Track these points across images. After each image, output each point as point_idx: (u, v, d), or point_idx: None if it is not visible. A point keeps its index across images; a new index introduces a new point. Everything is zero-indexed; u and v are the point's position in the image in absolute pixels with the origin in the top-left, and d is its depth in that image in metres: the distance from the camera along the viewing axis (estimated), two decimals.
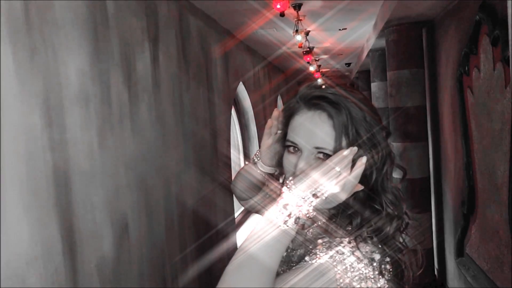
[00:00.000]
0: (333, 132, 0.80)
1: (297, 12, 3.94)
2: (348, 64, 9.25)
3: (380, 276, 0.75)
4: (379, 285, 0.74)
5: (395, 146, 4.45)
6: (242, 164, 6.13)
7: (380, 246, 0.78)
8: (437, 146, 4.43)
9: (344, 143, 0.79)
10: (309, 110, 0.83)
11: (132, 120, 2.38)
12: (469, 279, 3.44)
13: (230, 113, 4.93)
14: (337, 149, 0.78)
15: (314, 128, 0.81)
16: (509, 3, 1.52)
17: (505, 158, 2.63)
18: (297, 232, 0.72)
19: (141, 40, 2.58)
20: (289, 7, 3.32)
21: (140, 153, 2.45)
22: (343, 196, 0.73)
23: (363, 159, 0.75)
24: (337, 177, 0.71)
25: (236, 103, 5.94)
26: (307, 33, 4.87)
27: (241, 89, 5.70)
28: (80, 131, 1.88)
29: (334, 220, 0.83)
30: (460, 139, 3.54)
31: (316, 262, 0.73)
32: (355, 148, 0.76)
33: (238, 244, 4.99)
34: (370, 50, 6.12)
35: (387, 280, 0.77)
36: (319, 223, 0.84)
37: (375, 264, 0.75)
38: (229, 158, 4.64)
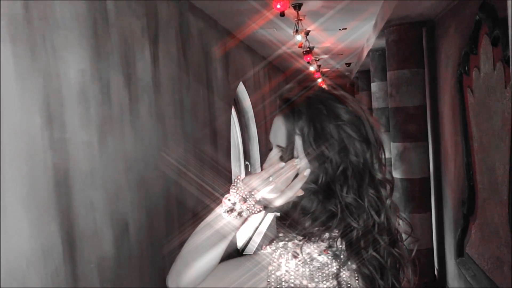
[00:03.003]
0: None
1: (297, 12, 3.94)
2: (348, 64, 9.25)
3: (327, 279, 0.75)
4: (319, 286, 0.75)
5: (395, 146, 4.45)
6: (242, 164, 6.14)
7: (341, 252, 0.78)
8: (437, 146, 4.43)
9: (299, 147, 0.82)
10: (280, 111, 0.87)
11: (132, 120, 2.38)
12: (469, 279, 3.44)
13: (230, 113, 4.93)
14: (289, 152, 0.83)
15: (277, 128, 0.86)
16: (509, 3, 1.52)
17: (505, 158, 2.63)
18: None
19: (141, 40, 2.58)
20: (289, 7, 3.32)
21: (140, 153, 2.45)
22: (277, 202, 0.79)
23: (306, 172, 0.80)
24: (270, 185, 0.78)
25: (236, 103, 5.94)
26: (307, 33, 4.87)
27: (241, 89, 5.70)
28: (80, 131, 1.88)
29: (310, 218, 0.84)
30: (460, 139, 3.54)
31: (261, 252, 0.80)
32: (296, 161, 0.80)
33: (238, 244, 5.00)
34: (370, 50, 6.11)
35: (340, 284, 0.76)
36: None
37: (315, 264, 0.76)
38: (229, 158, 4.64)
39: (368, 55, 6.46)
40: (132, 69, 2.43)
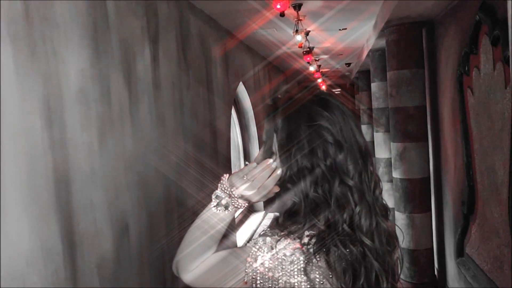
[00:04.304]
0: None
1: (297, 12, 3.94)
2: (348, 64, 9.25)
3: (298, 274, 0.79)
4: (291, 279, 0.79)
5: (395, 146, 4.45)
6: (242, 164, 6.14)
7: (307, 248, 0.81)
8: (437, 146, 4.43)
9: (275, 144, 0.88)
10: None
11: (132, 120, 2.38)
12: (469, 279, 3.44)
13: (230, 113, 4.93)
14: (267, 148, 0.90)
15: (264, 125, 0.93)
16: (509, 3, 1.52)
17: (505, 158, 2.63)
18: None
19: (141, 40, 2.58)
20: (289, 7, 3.32)
21: (140, 153, 2.45)
22: (254, 198, 0.87)
23: (278, 171, 0.86)
24: (245, 183, 0.86)
25: (236, 103, 5.94)
26: (307, 33, 4.87)
27: (241, 89, 5.70)
28: (80, 131, 1.88)
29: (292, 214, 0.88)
30: (460, 139, 3.54)
31: (244, 246, 0.86)
32: (270, 161, 0.86)
33: (238, 244, 5.01)
34: (370, 50, 6.11)
35: (312, 280, 0.79)
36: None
37: (288, 259, 0.80)
38: (229, 158, 4.65)
39: (368, 55, 6.46)
40: (132, 69, 2.43)
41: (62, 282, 1.68)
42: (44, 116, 1.63)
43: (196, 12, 3.63)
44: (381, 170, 6.54)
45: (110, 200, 2.10)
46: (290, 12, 3.71)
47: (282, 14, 3.29)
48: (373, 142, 7.08)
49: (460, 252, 3.75)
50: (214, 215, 0.89)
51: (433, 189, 4.60)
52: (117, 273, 2.11)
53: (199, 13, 3.72)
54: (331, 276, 0.80)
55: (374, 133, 6.84)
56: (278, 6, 3.17)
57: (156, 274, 2.55)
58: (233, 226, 4.50)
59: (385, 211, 0.89)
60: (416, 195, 4.33)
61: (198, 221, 0.91)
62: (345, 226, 0.81)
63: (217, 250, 0.91)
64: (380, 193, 0.89)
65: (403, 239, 4.25)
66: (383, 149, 6.44)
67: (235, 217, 4.91)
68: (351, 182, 0.82)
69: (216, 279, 0.86)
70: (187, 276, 0.89)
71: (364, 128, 9.32)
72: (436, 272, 4.60)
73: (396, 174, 4.47)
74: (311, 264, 0.79)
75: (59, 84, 1.74)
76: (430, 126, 4.48)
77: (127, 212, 2.27)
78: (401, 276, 4.44)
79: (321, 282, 0.79)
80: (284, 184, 0.87)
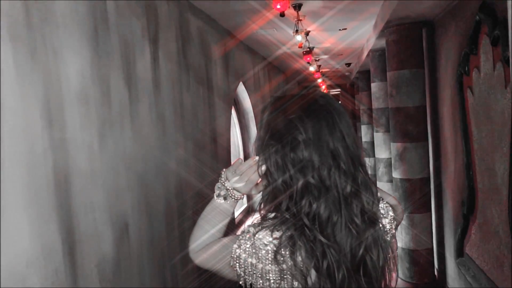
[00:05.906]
0: None
1: (297, 12, 3.95)
2: (348, 64, 9.25)
3: (271, 263, 0.85)
4: (266, 267, 0.86)
5: (395, 146, 4.45)
6: None
7: (281, 239, 0.85)
8: (437, 146, 4.43)
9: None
10: None
11: (132, 120, 2.38)
12: (469, 279, 3.44)
13: (230, 113, 4.93)
14: (257, 147, 0.96)
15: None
16: (509, 3, 1.52)
17: (505, 158, 2.63)
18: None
19: (141, 40, 2.58)
20: (289, 7, 3.32)
21: (140, 153, 2.45)
22: (243, 190, 0.97)
23: (262, 168, 0.92)
24: (235, 177, 0.96)
25: (236, 103, 5.95)
26: (307, 33, 4.87)
27: (241, 90, 5.70)
28: (80, 131, 1.88)
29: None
30: (460, 139, 3.54)
31: (235, 234, 0.94)
32: (256, 158, 0.94)
33: None
34: (370, 50, 6.11)
35: (284, 270, 0.85)
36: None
37: (263, 248, 0.86)
38: (229, 158, 4.64)
39: (368, 55, 6.46)
40: (132, 69, 2.43)
41: (62, 282, 1.68)
42: (44, 116, 1.63)
43: (196, 12, 3.63)
44: (381, 170, 6.54)
45: (110, 200, 2.10)
46: (290, 12, 3.71)
47: (282, 14, 3.29)
48: (373, 142, 7.08)
49: (460, 252, 3.75)
50: (217, 206, 1.00)
51: (433, 189, 4.60)
52: (117, 273, 2.11)
53: (199, 13, 3.72)
54: (296, 268, 0.84)
55: (374, 133, 6.83)
56: (278, 6, 3.17)
57: (156, 274, 2.55)
58: (233, 226, 4.50)
59: (369, 216, 0.88)
60: (416, 195, 4.33)
61: (204, 213, 1.02)
62: (305, 219, 0.85)
63: None
64: (360, 191, 0.88)
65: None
66: (383, 149, 6.44)
67: (235, 217, 4.91)
68: (312, 179, 0.86)
69: (213, 261, 0.98)
70: (196, 260, 1.02)
71: (364, 128, 9.32)
72: (436, 272, 4.60)
73: (396, 174, 4.47)
74: (279, 255, 0.85)
75: (59, 84, 1.74)
76: (430, 126, 4.48)
77: (127, 212, 2.27)
78: (401, 276, 4.44)
79: (294, 274, 0.84)
80: (264, 177, 0.93)
